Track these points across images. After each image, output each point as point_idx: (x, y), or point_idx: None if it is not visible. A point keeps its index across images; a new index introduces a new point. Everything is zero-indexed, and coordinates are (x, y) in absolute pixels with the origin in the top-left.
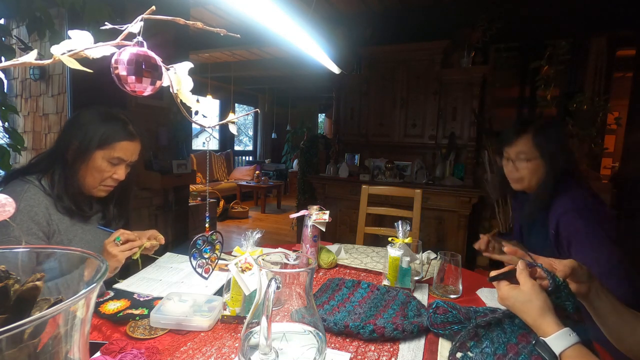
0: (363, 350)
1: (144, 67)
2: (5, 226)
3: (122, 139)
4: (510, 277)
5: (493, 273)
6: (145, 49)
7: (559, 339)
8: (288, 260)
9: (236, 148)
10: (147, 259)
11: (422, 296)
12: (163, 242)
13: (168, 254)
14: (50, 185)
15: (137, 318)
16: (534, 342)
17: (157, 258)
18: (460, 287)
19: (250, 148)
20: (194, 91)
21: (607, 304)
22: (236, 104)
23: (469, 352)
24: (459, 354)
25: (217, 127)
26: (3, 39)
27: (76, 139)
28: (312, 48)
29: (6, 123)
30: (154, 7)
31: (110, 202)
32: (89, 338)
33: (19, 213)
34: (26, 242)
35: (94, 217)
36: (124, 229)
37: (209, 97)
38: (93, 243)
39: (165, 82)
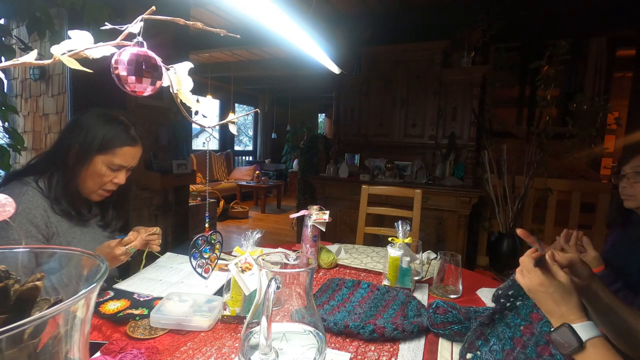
0: (363, 350)
1: (144, 67)
2: (3, 229)
3: (123, 144)
4: (541, 263)
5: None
6: (145, 49)
7: (587, 327)
8: (288, 260)
9: (236, 148)
10: (148, 259)
11: (422, 296)
12: (156, 232)
13: (168, 254)
14: (47, 187)
15: (137, 318)
16: (551, 329)
17: (159, 256)
18: (460, 287)
19: (250, 148)
20: (194, 91)
21: (606, 302)
22: (236, 104)
23: (477, 352)
24: (469, 355)
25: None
26: (3, 39)
27: (77, 142)
28: (312, 48)
29: (6, 123)
30: (154, 8)
31: (109, 204)
32: (89, 338)
33: (17, 215)
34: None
35: (92, 220)
36: (124, 232)
37: (209, 97)
38: (92, 245)
39: (165, 82)
